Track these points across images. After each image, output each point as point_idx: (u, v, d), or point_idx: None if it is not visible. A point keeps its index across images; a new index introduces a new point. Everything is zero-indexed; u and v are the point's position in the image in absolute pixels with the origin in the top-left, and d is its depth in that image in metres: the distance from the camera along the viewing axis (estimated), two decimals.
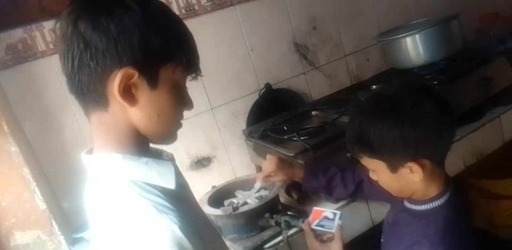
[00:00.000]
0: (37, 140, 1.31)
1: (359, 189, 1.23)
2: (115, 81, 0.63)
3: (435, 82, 1.54)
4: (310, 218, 1.08)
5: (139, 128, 0.68)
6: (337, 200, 1.30)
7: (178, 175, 0.73)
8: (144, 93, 0.65)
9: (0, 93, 1.25)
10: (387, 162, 0.91)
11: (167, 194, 0.67)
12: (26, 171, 1.15)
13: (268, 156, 1.28)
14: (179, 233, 0.61)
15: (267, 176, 1.26)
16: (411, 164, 0.88)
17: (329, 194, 1.26)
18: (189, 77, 0.72)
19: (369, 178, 1.02)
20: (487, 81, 1.57)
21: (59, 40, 0.66)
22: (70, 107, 1.34)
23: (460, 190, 0.99)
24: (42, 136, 1.32)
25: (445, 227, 0.90)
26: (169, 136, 0.73)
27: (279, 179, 1.27)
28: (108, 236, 0.66)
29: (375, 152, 0.90)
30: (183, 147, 1.52)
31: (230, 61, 1.62)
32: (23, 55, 1.30)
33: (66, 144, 1.35)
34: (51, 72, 1.32)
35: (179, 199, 0.70)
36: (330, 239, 1.06)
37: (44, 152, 1.32)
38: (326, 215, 1.07)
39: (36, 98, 1.32)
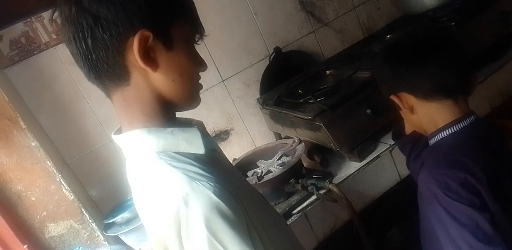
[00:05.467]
0: (54, 131, 1.33)
1: None
2: (134, 47, 0.63)
3: (452, 23, 1.46)
4: None
5: (164, 93, 0.68)
6: (361, 159, 1.27)
7: (208, 139, 0.74)
8: (162, 56, 0.66)
9: (11, 89, 1.26)
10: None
11: (199, 160, 0.67)
12: (49, 163, 1.17)
13: None
14: (214, 197, 0.61)
15: None
16: (392, 97, 1.01)
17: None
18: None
19: None
20: (506, 15, 1.47)
21: (63, 25, 0.65)
22: (82, 96, 1.34)
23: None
24: (59, 127, 1.33)
25: (445, 153, 0.94)
26: (194, 97, 0.74)
27: None
28: (146, 210, 0.67)
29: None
30: None
31: (235, 28, 1.57)
32: (27, 49, 1.29)
33: (83, 132, 1.36)
34: (58, 63, 1.31)
35: (213, 164, 0.70)
36: None
37: (64, 143, 1.34)
38: None
39: (47, 91, 1.32)
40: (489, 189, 0.86)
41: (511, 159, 0.98)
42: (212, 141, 0.80)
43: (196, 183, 0.62)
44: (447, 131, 0.96)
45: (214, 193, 0.61)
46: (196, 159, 0.68)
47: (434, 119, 0.98)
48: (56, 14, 0.66)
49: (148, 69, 0.65)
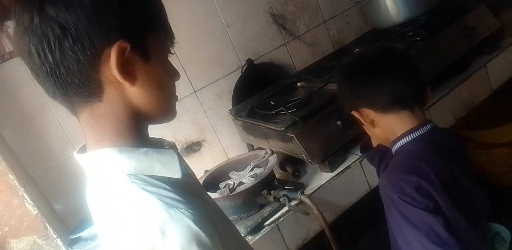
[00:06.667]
0: (18, 144, 1.28)
1: None
2: (112, 59, 0.58)
3: (418, 38, 1.51)
4: None
5: (140, 108, 0.64)
6: (332, 170, 1.28)
7: (183, 163, 0.69)
8: (140, 68, 0.61)
9: None
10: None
11: (174, 185, 0.63)
12: (11, 177, 1.11)
13: None
14: (194, 226, 0.57)
15: None
16: (354, 113, 1.06)
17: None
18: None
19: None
20: (470, 31, 1.53)
21: (21, 37, 0.58)
22: (48, 107, 1.30)
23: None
24: (23, 140, 1.29)
25: (403, 159, 0.99)
26: (171, 110, 0.70)
27: None
28: (116, 238, 0.61)
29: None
30: (171, 134, 1.49)
31: (208, 40, 1.57)
32: None
33: (49, 145, 1.32)
34: (23, 73, 1.26)
35: (187, 190, 0.66)
36: None
37: (28, 155, 1.29)
38: None
39: (11, 102, 1.27)
40: (445, 193, 0.90)
41: (469, 164, 1.04)
42: (186, 165, 0.75)
43: (174, 210, 0.57)
44: (405, 138, 1.01)
45: (194, 221, 0.57)
46: (171, 183, 0.63)
47: (393, 130, 1.03)
48: (11, 27, 0.60)
49: (126, 83, 0.60)
